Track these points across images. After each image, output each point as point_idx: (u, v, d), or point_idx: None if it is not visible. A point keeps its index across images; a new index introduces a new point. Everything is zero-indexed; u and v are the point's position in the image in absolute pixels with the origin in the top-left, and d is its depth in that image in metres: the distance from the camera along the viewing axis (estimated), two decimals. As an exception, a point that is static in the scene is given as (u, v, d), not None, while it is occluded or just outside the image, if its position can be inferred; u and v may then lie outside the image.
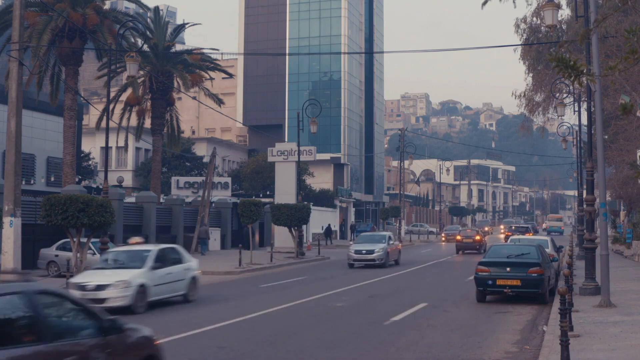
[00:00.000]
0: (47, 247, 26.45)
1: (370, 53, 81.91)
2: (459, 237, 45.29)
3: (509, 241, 25.18)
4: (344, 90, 76.22)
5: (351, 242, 41.84)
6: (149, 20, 41.88)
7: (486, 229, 79.33)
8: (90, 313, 7.21)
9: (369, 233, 37.93)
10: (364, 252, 31.63)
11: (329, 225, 56.66)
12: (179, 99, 52.34)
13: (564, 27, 36.71)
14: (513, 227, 63.45)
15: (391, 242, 33.26)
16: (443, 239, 63.60)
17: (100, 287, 16.83)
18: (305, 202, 42.74)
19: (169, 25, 45.20)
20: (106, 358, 6.98)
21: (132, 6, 77.74)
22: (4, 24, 32.90)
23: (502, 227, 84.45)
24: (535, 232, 64.79)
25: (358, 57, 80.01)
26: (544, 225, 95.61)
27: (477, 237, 44.08)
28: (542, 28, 35.32)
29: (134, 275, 17.27)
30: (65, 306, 7.05)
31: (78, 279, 17.61)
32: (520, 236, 30.23)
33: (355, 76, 79.67)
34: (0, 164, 35.10)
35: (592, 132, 23.37)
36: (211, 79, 45.04)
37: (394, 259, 33.43)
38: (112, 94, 38.12)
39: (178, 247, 20.85)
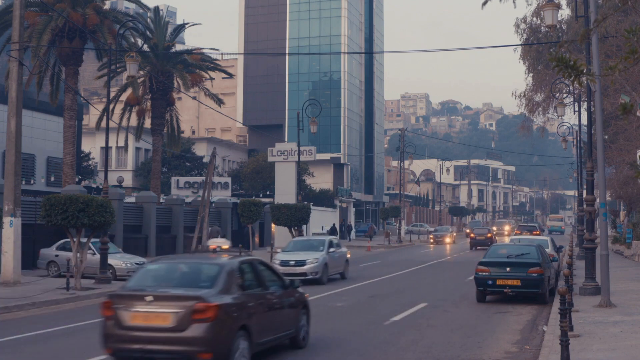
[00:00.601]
0: (47, 247, 26.43)
1: (370, 53, 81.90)
2: (472, 235, 50.65)
3: (509, 241, 25.21)
4: (344, 90, 76.22)
5: (278, 250, 31.76)
6: (149, 20, 41.87)
7: (494, 228, 75.72)
8: (279, 276, 12.29)
9: (304, 238, 29.19)
10: (292, 263, 24.00)
11: (333, 225, 56.70)
12: (179, 99, 52.32)
13: (564, 27, 36.69)
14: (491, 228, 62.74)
15: (333, 249, 25.51)
16: (432, 241, 58.75)
17: None
18: (305, 202, 42.73)
19: (169, 25, 45.19)
20: (288, 304, 11.92)
21: (132, 6, 77.73)
22: (4, 24, 32.89)
23: (494, 228, 73.87)
24: (542, 230, 68.14)
25: (358, 57, 80.00)
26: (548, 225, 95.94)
27: (489, 235, 49.68)
28: (542, 28, 35.31)
29: None
30: (269, 271, 12.05)
31: None
32: (521, 236, 30.19)
33: (355, 76, 79.67)
34: (0, 164, 35.09)
35: (592, 132, 23.37)
36: (211, 79, 45.02)
37: (338, 271, 25.92)
38: (112, 94, 38.10)
39: None
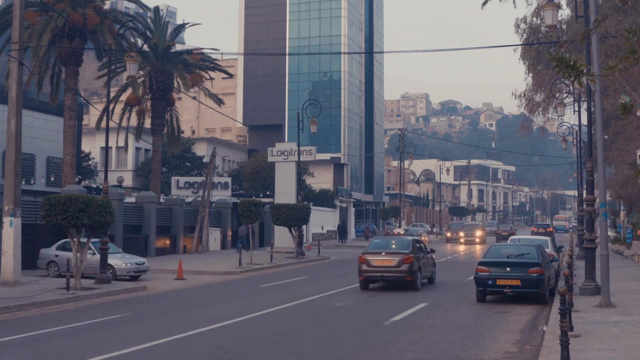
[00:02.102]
0: (47, 247, 26.43)
1: (370, 53, 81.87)
2: (498, 231, 58.51)
3: (509, 241, 25.21)
4: (344, 90, 76.20)
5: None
6: (149, 20, 41.88)
7: (461, 234, 64.89)
8: (426, 246, 24.67)
9: None
10: None
11: (342, 223, 56.87)
12: (179, 99, 52.34)
13: (564, 27, 36.67)
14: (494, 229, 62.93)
15: None
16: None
17: None
18: (305, 202, 42.72)
19: (169, 25, 45.20)
20: (429, 261, 23.43)
21: (132, 6, 77.77)
22: (4, 24, 32.90)
23: (461, 234, 58.26)
24: (554, 228, 76.88)
25: (358, 57, 79.99)
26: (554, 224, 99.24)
27: (512, 231, 57.32)
28: (542, 28, 35.29)
29: None
30: (422, 243, 23.55)
31: None
32: (521, 236, 30.17)
33: (355, 76, 79.65)
34: (0, 164, 35.08)
35: (592, 132, 23.37)
36: (211, 79, 45.04)
37: None
38: (112, 94, 38.13)
39: None
